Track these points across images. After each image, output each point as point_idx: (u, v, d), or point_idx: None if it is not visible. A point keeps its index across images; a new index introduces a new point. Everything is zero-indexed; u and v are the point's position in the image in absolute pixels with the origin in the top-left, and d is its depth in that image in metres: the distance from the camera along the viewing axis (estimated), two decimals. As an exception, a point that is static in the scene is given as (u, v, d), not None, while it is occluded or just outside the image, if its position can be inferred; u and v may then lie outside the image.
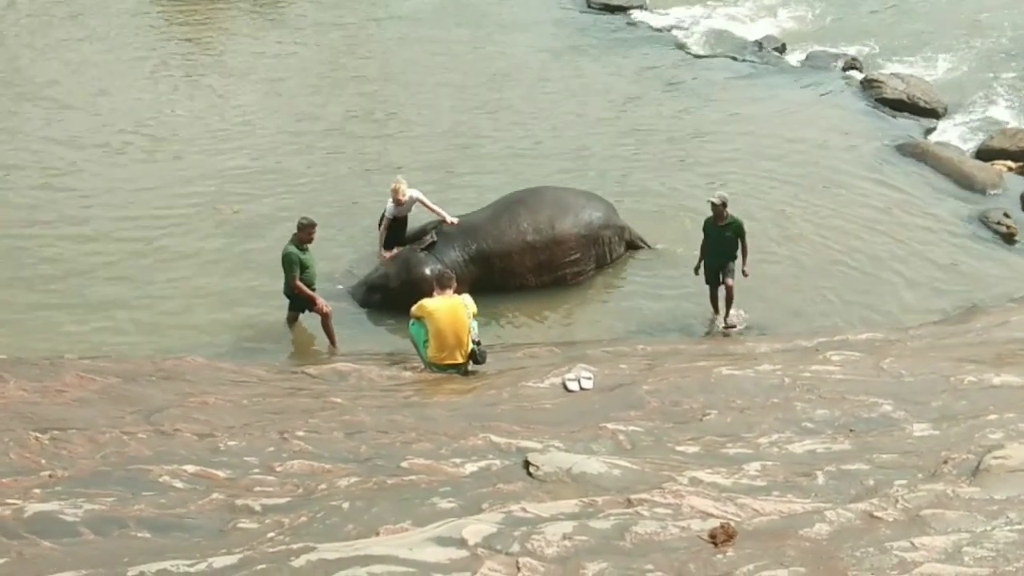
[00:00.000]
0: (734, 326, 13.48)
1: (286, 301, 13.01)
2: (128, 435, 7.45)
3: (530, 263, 14.25)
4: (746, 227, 13.52)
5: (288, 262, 12.68)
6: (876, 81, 20.17)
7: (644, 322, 13.87)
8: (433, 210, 14.27)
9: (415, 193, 14.25)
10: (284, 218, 14.59)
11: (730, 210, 13.46)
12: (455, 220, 14.23)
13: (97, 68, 20.09)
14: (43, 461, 6.80)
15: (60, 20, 22.00)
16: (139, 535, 5.75)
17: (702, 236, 13.63)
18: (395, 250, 14.23)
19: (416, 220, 14.55)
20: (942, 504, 6.60)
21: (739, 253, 13.45)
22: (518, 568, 5.38)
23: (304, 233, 12.76)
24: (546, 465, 7.08)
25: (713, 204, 13.40)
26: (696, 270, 13.69)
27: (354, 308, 13.76)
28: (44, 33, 21.45)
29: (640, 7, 23.81)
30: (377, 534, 5.75)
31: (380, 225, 14.40)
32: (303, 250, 12.76)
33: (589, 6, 23.72)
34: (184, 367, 10.65)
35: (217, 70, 20.27)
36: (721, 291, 13.56)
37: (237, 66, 20.42)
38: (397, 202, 14.13)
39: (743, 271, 13.49)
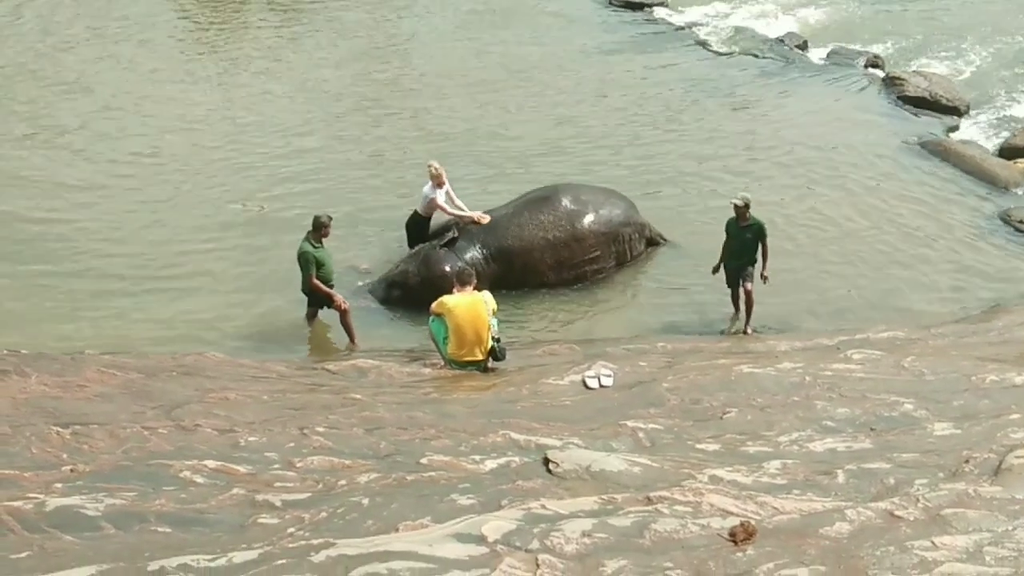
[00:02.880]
0: (761, 331, 13.39)
1: (305, 297, 13.03)
2: (149, 430, 7.48)
3: (550, 260, 14.24)
4: (767, 228, 13.44)
5: (304, 261, 12.70)
6: (898, 79, 20.09)
7: (664, 320, 13.84)
8: (455, 209, 14.32)
9: (447, 188, 14.29)
10: (307, 215, 14.62)
11: (752, 209, 13.39)
12: (484, 218, 14.29)
13: (125, 75, 20.19)
14: (64, 456, 6.83)
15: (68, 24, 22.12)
16: (160, 530, 5.77)
17: (724, 236, 13.57)
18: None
19: (437, 217, 14.56)
20: (963, 503, 6.57)
21: (759, 256, 13.39)
22: (537, 565, 5.37)
23: (319, 231, 12.78)
24: (565, 462, 7.07)
25: (736, 205, 13.34)
26: (715, 270, 13.63)
27: (374, 305, 13.78)
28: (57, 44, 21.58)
29: (661, 4, 23.79)
30: (397, 530, 5.75)
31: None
32: (318, 247, 12.77)
33: (610, 3, 23.70)
34: (204, 363, 10.69)
35: (244, 71, 20.34)
36: (742, 294, 13.50)
37: (265, 68, 20.47)
38: (439, 183, 14.13)
39: (762, 275, 13.42)
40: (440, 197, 14.13)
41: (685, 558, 5.61)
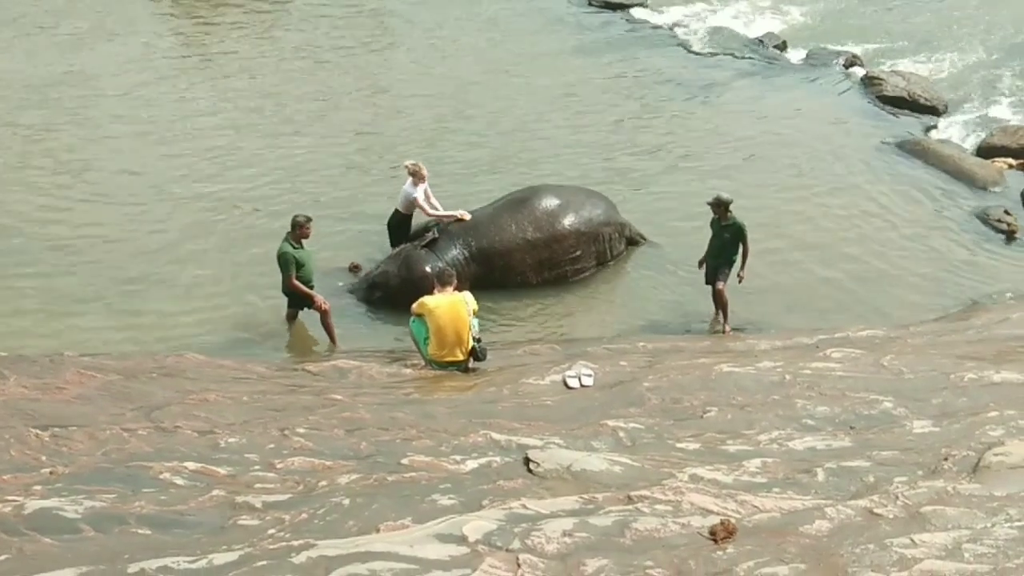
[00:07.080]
0: (741, 330, 13.42)
1: (285, 298, 13.01)
2: (128, 432, 7.44)
3: (531, 260, 14.26)
4: (748, 229, 13.44)
5: (283, 261, 12.67)
6: (877, 78, 20.18)
7: (645, 319, 13.87)
8: (433, 209, 14.31)
9: (426, 186, 14.28)
10: (288, 215, 14.57)
11: (732, 209, 13.42)
12: (466, 215, 14.27)
13: (101, 79, 20.10)
14: (44, 458, 6.79)
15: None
16: (140, 532, 5.74)
17: (711, 232, 13.60)
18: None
19: (418, 216, 14.54)
20: (942, 501, 6.60)
21: (738, 256, 13.42)
22: (518, 565, 5.37)
23: (299, 231, 12.76)
24: (546, 462, 7.07)
25: (712, 204, 13.38)
26: (700, 264, 13.68)
27: (355, 305, 13.76)
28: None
29: (641, 5, 23.78)
30: (378, 531, 5.74)
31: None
32: (298, 248, 12.75)
33: (590, 4, 23.68)
34: (185, 364, 10.65)
35: (225, 71, 20.27)
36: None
37: (246, 69, 20.40)
38: (419, 180, 14.11)
39: (739, 275, 13.46)
40: (421, 195, 14.13)
41: (666, 557, 5.62)
